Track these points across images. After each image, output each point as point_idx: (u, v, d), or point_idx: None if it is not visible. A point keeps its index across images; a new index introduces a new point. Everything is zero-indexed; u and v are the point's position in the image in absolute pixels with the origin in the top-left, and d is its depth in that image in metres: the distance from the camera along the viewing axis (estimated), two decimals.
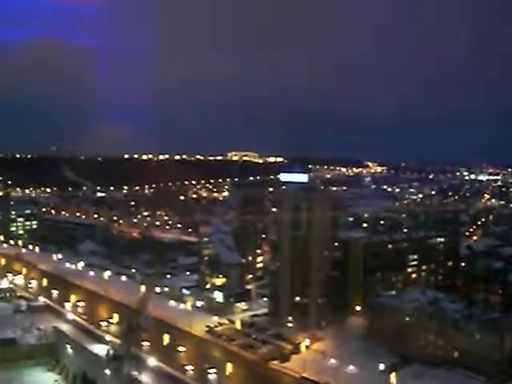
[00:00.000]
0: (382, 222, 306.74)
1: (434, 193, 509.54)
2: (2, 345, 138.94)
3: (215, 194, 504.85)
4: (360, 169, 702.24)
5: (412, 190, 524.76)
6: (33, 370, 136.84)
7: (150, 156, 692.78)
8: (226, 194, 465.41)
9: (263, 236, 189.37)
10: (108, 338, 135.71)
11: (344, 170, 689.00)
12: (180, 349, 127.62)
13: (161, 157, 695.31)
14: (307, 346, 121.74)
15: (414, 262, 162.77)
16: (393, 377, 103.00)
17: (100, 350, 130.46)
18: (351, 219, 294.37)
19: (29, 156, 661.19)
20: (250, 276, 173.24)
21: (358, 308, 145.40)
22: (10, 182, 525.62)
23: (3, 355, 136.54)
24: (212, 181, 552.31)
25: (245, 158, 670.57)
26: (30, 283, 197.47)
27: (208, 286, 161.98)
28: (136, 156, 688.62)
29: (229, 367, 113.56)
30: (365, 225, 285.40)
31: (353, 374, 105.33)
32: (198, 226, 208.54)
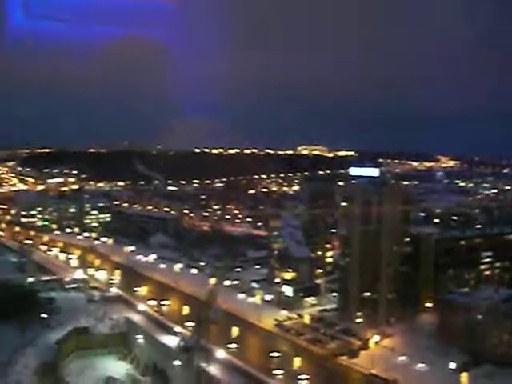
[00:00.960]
0: (454, 217, 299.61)
1: (508, 188, 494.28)
2: (76, 333, 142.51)
3: (285, 188, 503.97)
4: (432, 163, 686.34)
5: (486, 185, 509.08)
6: (105, 359, 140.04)
7: (221, 150, 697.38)
8: (295, 187, 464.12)
9: (333, 230, 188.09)
10: (178, 329, 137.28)
11: (415, 164, 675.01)
12: (248, 342, 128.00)
13: (231, 151, 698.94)
14: (376, 342, 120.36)
15: (488, 259, 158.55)
16: (464, 376, 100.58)
17: (170, 341, 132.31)
18: (422, 214, 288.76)
19: (102, 150, 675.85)
20: (320, 270, 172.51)
21: (429, 305, 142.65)
22: (84, 176, 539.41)
23: (77, 343, 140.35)
24: (282, 175, 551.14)
25: (315, 152, 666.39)
26: (103, 274, 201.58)
27: (277, 280, 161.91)
28: (207, 150, 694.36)
29: (297, 361, 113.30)
30: (436, 220, 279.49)
31: (422, 372, 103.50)
32: (268, 220, 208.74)
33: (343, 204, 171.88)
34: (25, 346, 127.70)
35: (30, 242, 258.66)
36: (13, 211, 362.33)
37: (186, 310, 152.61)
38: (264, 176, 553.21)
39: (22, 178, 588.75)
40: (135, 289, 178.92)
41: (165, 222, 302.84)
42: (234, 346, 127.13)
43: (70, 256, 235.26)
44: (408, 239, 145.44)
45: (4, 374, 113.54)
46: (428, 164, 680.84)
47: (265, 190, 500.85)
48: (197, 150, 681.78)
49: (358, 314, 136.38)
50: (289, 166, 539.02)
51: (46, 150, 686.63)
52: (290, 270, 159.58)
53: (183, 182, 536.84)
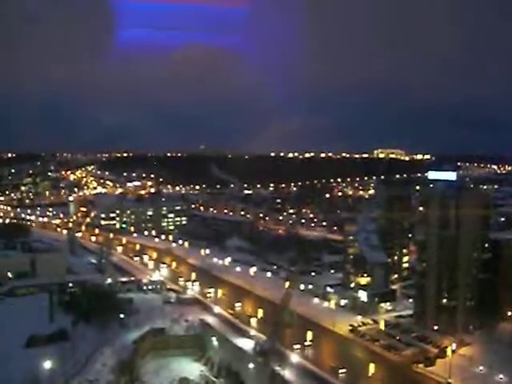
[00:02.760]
0: None
1: None
2: (153, 334, 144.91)
3: (361, 192, 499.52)
4: None
5: None
6: (180, 360, 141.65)
7: (296, 154, 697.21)
8: (371, 191, 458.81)
9: (409, 235, 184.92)
10: (253, 332, 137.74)
11: (495, 167, 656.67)
12: (323, 347, 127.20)
13: (306, 155, 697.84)
14: (453, 351, 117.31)
15: None
16: None
17: (245, 343, 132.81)
18: (503, 219, 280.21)
19: (179, 155, 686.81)
20: (395, 276, 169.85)
21: (510, 313, 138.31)
22: (161, 180, 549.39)
23: (153, 344, 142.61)
24: (357, 179, 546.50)
25: (391, 156, 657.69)
26: (179, 276, 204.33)
27: (352, 285, 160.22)
28: (282, 154, 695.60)
29: (371, 368, 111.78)
30: None
31: (502, 383, 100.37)
32: (343, 224, 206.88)
33: (420, 208, 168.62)
34: (103, 345, 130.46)
35: (109, 243, 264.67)
36: (92, 214, 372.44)
37: (260, 313, 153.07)
38: (339, 180, 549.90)
39: (102, 181, 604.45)
40: (210, 291, 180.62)
41: (240, 226, 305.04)
42: (307, 350, 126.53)
43: (147, 258, 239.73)
44: (487, 245, 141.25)
45: (83, 371, 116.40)
46: (509, 168, 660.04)
47: (340, 193, 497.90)
48: (272, 154, 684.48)
49: (435, 321, 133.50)
50: (365, 169, 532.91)
51: (125, 155, 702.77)
52: (365, 275, 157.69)
53: (259, 186, 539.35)
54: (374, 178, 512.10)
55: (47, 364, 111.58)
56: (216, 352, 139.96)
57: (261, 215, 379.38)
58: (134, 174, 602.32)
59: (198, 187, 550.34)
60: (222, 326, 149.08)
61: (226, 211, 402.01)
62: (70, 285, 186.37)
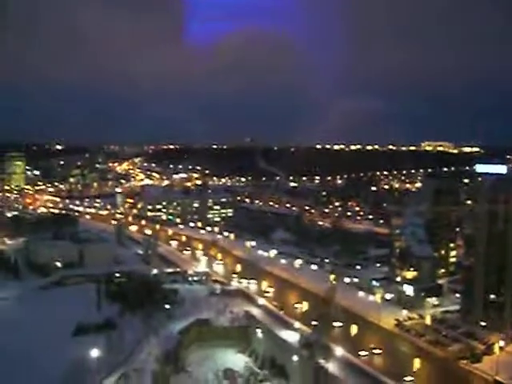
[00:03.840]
0: None
1: None
2: (198, 325, 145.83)
3: (407, 185, 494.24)
4: None
5: None
6: (224, 351, 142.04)
7: (342, 146, 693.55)
8: (418, 185, 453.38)
9: (457, 229, 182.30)
10: (297, 325, 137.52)
11: None
12: (368, 340, 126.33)
13: (352, 147, 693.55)
14: (501, 348, 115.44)
15: None
16: None
17: (289, 336, 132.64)
18: None
19: (225, 147, 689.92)
20: (442, 270, 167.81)
21: None
22: (207, 172, 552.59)
23: (198, 335, 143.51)
24: (404, 171, 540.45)
25: (439, 149, 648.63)
26: (224, 268, 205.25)
27: (398, 279, 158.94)
28: (328, 146, 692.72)
29: (416, 363, 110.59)
30: None
31: None
32: (390, 218, 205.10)
33: (468, 202, 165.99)
34: (149, 335, 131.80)
35: (156, 235, 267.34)
36: (139, 205, 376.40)
37: (305, 305, 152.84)
38: (386, 173, 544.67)
39: (149, 173, 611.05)
40: (256, 283, 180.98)
41: (286, 218, 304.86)
42: (352, 344, 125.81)
43: (193, 249, 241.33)
44: None
45: (129, 360, 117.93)
46: None
47: (387, 186, 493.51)
48: (318, 146, 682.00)
49: (483, 316, 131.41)
50: (412, 162, 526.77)
51: (171, 147, 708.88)
52: (411, 269, 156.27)
53: (304, 178, 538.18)
54: (422, 170, 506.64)
55: (94, 352, 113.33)
56: (260, 344, 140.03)
57: (306, 208, 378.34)
58: (180, 166, 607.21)
59: (243, 179, 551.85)
60: (266, 317, 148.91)
61: (271, 203, 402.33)
62: (117, 275, 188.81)
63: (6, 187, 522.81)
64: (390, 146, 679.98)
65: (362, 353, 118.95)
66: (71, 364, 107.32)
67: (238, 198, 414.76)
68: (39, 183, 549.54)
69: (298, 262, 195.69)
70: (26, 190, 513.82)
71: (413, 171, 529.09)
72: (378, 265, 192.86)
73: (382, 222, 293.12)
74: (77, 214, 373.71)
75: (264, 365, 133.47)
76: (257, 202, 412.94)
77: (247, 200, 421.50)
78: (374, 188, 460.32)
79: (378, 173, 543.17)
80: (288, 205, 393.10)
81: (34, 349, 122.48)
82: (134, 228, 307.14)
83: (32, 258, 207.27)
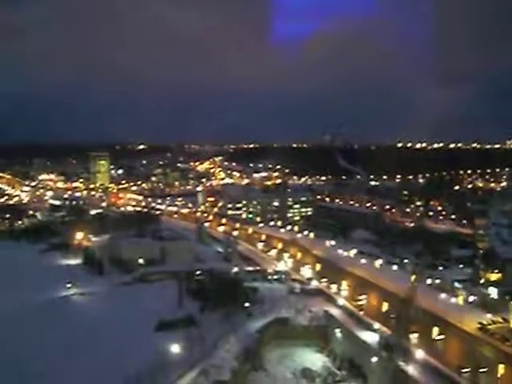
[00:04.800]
0: None
1: None
2: (277, 324, 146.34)
3: (492, 184, 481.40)
4: None
5: None
6: (303, 350, 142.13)
7: (424, 144, 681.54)
8: (504, 184, 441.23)
9: None
10: (377, 325, 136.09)
11: None
12: (449, 344, 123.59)
13: (435, 145, 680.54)
14: None
15: None
16: None
17: (368, 337, 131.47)
18: None
19: (304, 145, 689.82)
20: None
21: None
22: (287, 171, 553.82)
23: (277, 333, 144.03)
24: (489, 170, 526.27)
25: None
26: (303, 267, 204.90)
27: (482, 281, 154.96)
28: (409, 144, 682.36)
29: (500, 369, 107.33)
30: None
31: None
32: (473, 218, 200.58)
33: None
34: (228, 333, 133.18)
35: (236, 233, 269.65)
36: (220, 204, 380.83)
37: (385, 306, 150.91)
38: (469, 171, 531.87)
39: (229, 172, 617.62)
40: (335, 282, 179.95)
41: (366, 217, 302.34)
42: (433, 346, 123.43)
43: (272, 248, 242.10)
44: None
45: (209, 356, 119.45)
46: None
47: (470, 186, 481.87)
48: (399, 145, 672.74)
49: None
50: (497, 160, 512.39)
51: (252, 146, 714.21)
52: (495, 271, 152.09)
53: (385, 177, 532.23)
54: (507, 169, 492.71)
55: (175, 348, 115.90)
56: (339, 344, 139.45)
57: (387, 207, 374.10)
58: (260, 165, 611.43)
59: (323, 178, 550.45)
60: (345, 317, 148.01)
61: (351, 202, 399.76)
62: (198, 272, 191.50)
63: (91, 186, 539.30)
64: (474, 145, 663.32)
65: (443, 356, 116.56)
66: (154, 357, 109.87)
67: (318, 196, 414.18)
68: (122, 182, 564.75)
69: (378, 262, 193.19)
70: (109, 189, 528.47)
71: (498, 170, 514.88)
72: (461, 266, 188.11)
73: (465, 222, 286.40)
74: (159, 212, 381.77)
75: (342, 365, 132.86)
76: (337, 200, 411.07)
77: (327, 199, 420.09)
78: (456, 187, 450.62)
79: (461, 171, 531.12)
80: (368, 204, 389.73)
81: (119, 341, 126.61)
82: (214, 226, 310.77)
83: (115, 254, 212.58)
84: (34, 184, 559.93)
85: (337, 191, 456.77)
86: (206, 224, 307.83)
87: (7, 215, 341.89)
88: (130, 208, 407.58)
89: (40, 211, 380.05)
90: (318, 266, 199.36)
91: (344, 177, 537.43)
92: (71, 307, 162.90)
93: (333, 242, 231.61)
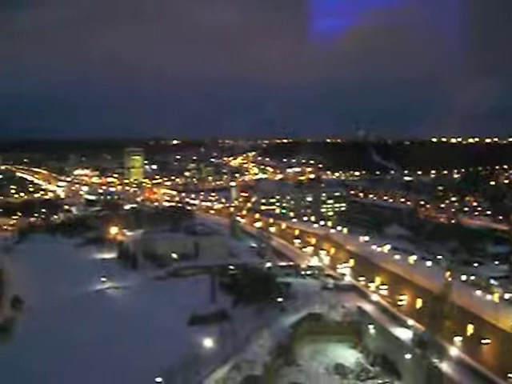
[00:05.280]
0: None
1: None
2: (310, 319, 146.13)
3: None
4: None
5: None
6: (336, 346, 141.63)
7: (459, 139, 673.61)
8: None
9: None
10: (410, 322, 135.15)
11: None
12: (483, 341, 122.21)
13: (470, 140, 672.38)
14: None
15: None
16: None
17: (402, 333, 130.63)
18: None
19: (338, 140, 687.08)
20: None
21: None
22: (320, 166, 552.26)
23: (310, 329, 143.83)
24: None
25: None
26: (337, 263, 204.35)
27: None
28: (444, 139, 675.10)
29: None
30: None
31: None
32: (509, 213, 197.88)
33: None
34: (261, 327, 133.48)
35: (269, 228, 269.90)
36: (253, 199, 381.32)
37: (419, 303, 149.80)
38: (506, 166, 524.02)
39: (262, 167, 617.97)
40: (368, 278, 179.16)
41: (400, 213, 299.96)
42: (467, 343, 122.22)
43: (305, 243, 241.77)
44: None
45: (242, 351, 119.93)
46: None
47: (507, 181, 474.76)
48: (434, 140, 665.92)
49: None
50: None
51: (285, 141, 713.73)
52: None
53: (419, 172, 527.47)
54: None
55: (208, 342, 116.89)
56: (372, 340, 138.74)
57: (422, 202, 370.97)
58: (293, 160, 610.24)
59: (357, 173, 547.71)
60: (379, 314, 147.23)
61: (385, 198, 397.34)
62: (231, 267, 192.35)
63: (126, 181, 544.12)
64: (511, 139, 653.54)
65: (478, 354, 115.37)
66: (187, 350, 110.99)
67: (352, 192, 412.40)
68: (156, 177, 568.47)
69: (412, 258, 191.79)
70: (143, 184, 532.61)
71: None
72: (497, 263, 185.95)
73: (501, 217, 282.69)
74: (192, 207, 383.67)
75: (375, 361, 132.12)
76: (371, 196, 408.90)
77: (361, 194, 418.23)
78: (492, 182, 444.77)
79: (497, 166, 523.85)
80: (402, 199, 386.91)
81: (154, 334, 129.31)
82: (247, 221, 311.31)
83: (149, 249, 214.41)
84: (69, 179, 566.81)
85: (371, 186, 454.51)
86: (239, 219, 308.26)
87: (44, 210, 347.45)
88: (163, 203, 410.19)
89: (75, 206, 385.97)
90: (352, 262, 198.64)
91: (378, 172, 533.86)
92: (106, 300, 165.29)
93: (366, 238, 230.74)
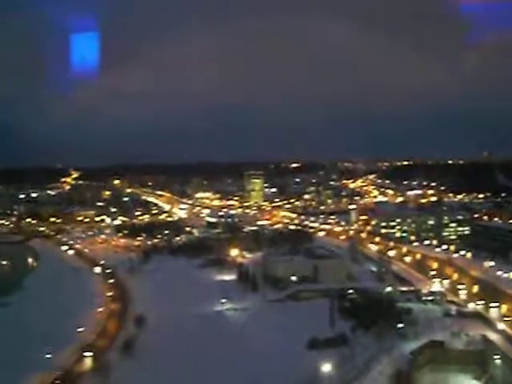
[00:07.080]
0: None
1: None
2: (432, 347, 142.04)
3: None
4: None
5: None
6: (458, 376, 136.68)
7: None
8: None
9: None
10: None
11: None
12: None
13: None
14: None
15: None
16: None
17: None
18: None
19: (460, 162, 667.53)
20: None
21: None
22: (443, 188, 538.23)
23: (431, 357, 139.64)
24: None
25: None
26: (460, 288, 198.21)
27: None
28: None
29: None
30: None
31: None
32: None
33: None
34: (381, 353, 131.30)
35: (390, 252, 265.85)
36: (373, 222, 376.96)
37: None
38: None
39: (382, 189, 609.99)
40: (494, 306, 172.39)
41: None
42: None
43: (427, 268, 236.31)
44: None
45: (360, 377, 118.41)
46: None
47: None
48: None
49: None
50: None
51: (405, 163, 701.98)
52: None
53: None
54: None
55: (327, 366, 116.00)
56: (498, 371, 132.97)
57: None
58: (414, 183, 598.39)
59: (481, 195, 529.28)
60: (505, 343, 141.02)
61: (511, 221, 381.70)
62: (350, 291, 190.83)
63: (246, 204, 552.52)
64: None
65: None
66: (306, 374, 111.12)
67: (476, 215, 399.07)
68: (276, 200, 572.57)
69: None
70: (263, 207, 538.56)
71: None
72: None
73: None
74: (312, 229, 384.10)
75: None
76: (496, 219, 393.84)
77: (485, 217, 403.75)
78: None
79: None
80: None
81: (273, 357, 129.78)
82: (367, 245, 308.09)
83: (269, 271, 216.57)
84: (191, 202, 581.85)
85: (496, 209, 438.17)
86: (359, 242, 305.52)
87: (167, 231, 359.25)
88: (283, 225, 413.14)
89: (197, 228, 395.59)
90: (476, 288, 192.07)
91: (503, 194, 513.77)
92: (225, 321, 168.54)
93: (492, 263, 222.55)
